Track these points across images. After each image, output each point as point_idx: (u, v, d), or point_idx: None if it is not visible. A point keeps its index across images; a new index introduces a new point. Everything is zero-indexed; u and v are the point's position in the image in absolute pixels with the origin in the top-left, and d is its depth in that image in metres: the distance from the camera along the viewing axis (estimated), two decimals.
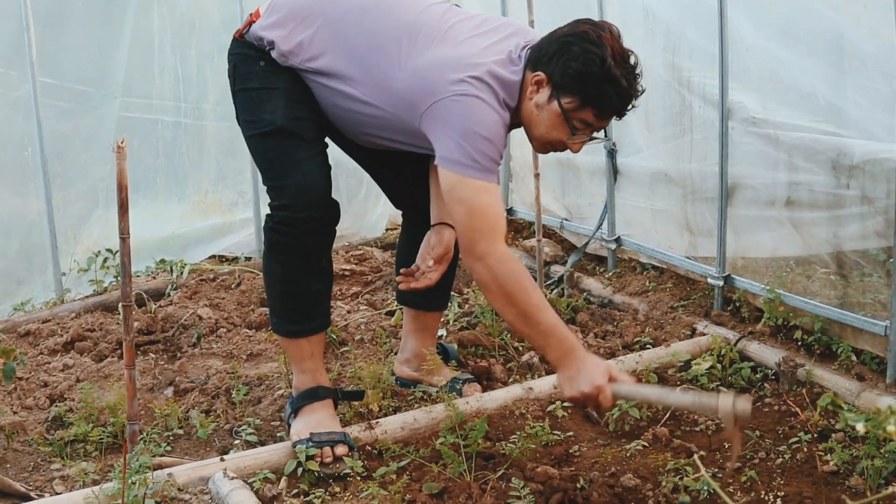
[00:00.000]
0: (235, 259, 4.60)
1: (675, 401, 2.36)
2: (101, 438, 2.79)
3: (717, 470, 2.50)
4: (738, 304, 3.44)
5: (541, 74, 2.46)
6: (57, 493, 2.50)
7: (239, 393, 3.07)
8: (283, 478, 2.51)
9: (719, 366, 3.05)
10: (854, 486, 2.38)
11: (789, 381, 2.94)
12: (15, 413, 3.01)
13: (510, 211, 4.75)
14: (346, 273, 4.35)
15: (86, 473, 2.59)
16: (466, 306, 3.80)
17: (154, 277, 4.29)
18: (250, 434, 2.78)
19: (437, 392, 2.95)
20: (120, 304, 2.45)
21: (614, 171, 3.94)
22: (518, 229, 4.76)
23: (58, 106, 4.11)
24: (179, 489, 2.43)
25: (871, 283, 3.00)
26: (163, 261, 4.33)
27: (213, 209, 4.69)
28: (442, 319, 3.35)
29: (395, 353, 3.23)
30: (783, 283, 3.24)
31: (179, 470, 2.49)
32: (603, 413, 2.77)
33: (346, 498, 2.43)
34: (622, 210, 4.01)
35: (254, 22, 2.65)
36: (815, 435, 2.62)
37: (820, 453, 2.52)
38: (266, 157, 2.63)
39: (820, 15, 3.02)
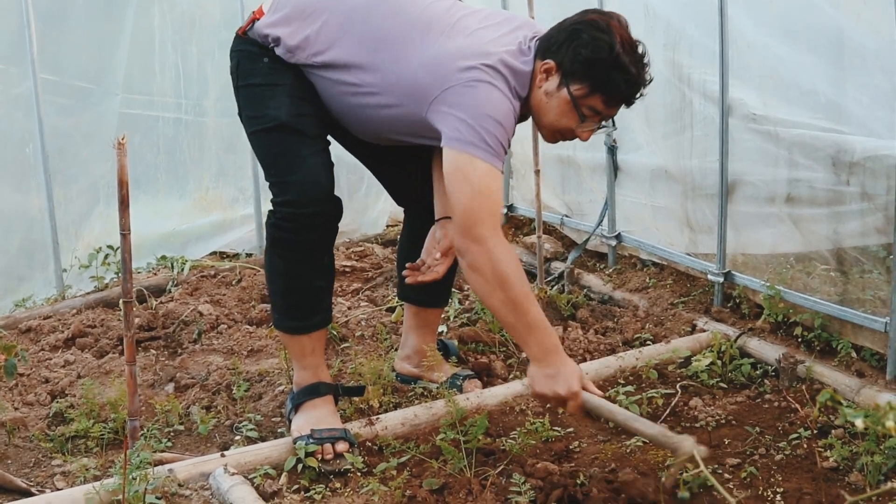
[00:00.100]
0: (236, 255, 4.60)
1: (640, 427, 2.36)
2: (102, 434, 2.79)
3: (716, 466, 2.51)
4: (738, 301, 3.45)
5: (550, 62, 2.47)
6: (58, 489, 2.51)
7: (240, 389, 3.08)
8: (284, 474, 2.51)
9: (719, 362, 3.05)
10: (854, 483, 2.38)
11: (789, 377, 2.94)
12: (16, 409, 3.01)
13: (511, 207, 4.76)
14: (347, 269, 4.35)
15: (87, 469, 2.60)
16: (467, 303, 3.80)
17: (155, 274, 4.30)
18: (251, 430, 2.79)
19: (437, 388, 2.96)
20: (121, 301, 2.45)
21: (615, 168, 3.95)
22: (518, 226, 4.76)
23: (59, 103, 4.11)
24: (180, 485, 2.44)
25: (871, 279, 3.00)
26: (164, 257, 4.34)
27: (214, 206, 4.70)
28: (442, 316, 3.35)
29: (396, 350, 3.23)
30: (783, 280, 3.25)
31: (180, 466, 2.50)
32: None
33: (346, 494, 2.43)
34: (622, 207, 4.01)
35: (257, 19, 2.65)
36: (815, 431, 2.63)
37: (820, 449, 2.52)
38: (270, 153, 2.63)
39: (820, 11, 3.02)
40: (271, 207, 2.61)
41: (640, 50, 2.47)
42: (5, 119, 4.04)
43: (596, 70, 2.43)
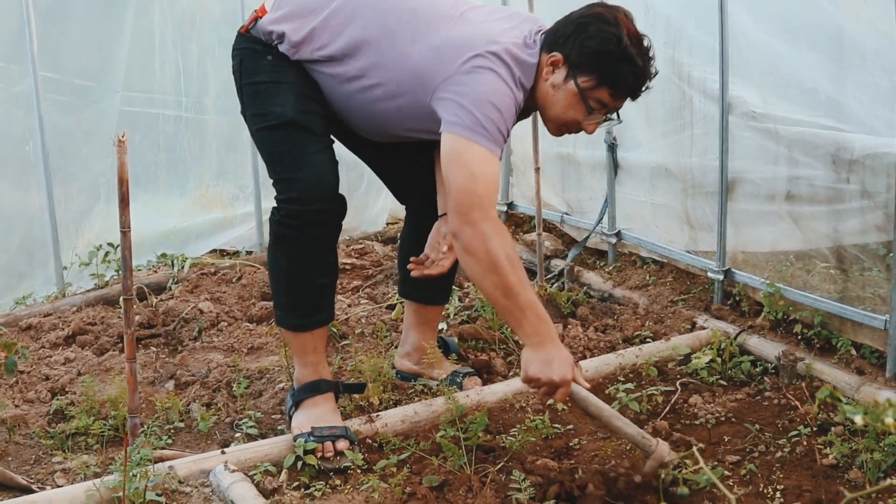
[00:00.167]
0: (236, 253, 4.61)
1: (620, 426, 2.41)
2: (103, 431, 2.79)
3: (716, 463, 2.51)
4: (738, 299, 3.45)
5: (557, 55, 2.48)
6: (58, 486, 2.51)
7: (240, 386, 3.08)
8: (284, 471, 2.51)
9: (719, 359, 3.06)
10: (853, 480, 2.38)
11: (789, 374, 2.94)
12: (17, 406, 3.02)
13: (511, 205, 4.75)
14: (347, 267, 4.36)
15: (87, 466, 2.60)
16: (467, 300, 3.80)
17: (155, 271, 4.30)
18: (251, 427, 2.79)
19: (437, 385, 2.96)
20: (121, 298, 2.46)
21: (615, 166, 3.95)
22: (518, 223, 4.76)
23: (59, 100, 4.11)
24: (180, 482, 2.44)
25: (871, 277, 3.00)
26: (164, 255, 4.33)
27: (215, 203, 4.70)
28: (443, 313, 3.35)
29: (396, 347, 3.24)
30: (783, 278, 3.25)
31: (180, 463, 2.50)
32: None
33: (346, 490, 2.43)
34: (622, 204, 4.01)
35: (260, 17, 2.65)
36: (815, 428, 2.63)
37: (819, 447, 2.52)
38: (275, 151, 2.62)
39: (820, 9, 3.02)
40: (275, 205, 2.61)
41: (645, 43, 2.48)
42: (6, 117, 4.04)
43: (604, 62, 2.44)
